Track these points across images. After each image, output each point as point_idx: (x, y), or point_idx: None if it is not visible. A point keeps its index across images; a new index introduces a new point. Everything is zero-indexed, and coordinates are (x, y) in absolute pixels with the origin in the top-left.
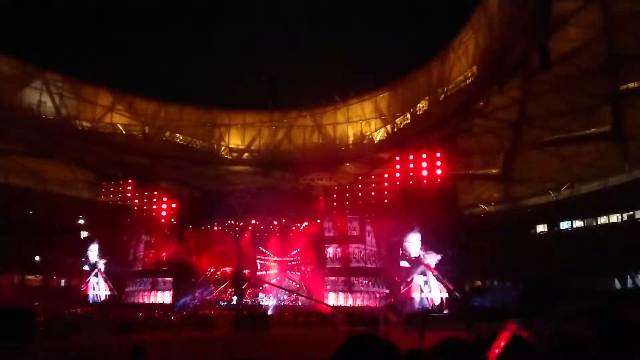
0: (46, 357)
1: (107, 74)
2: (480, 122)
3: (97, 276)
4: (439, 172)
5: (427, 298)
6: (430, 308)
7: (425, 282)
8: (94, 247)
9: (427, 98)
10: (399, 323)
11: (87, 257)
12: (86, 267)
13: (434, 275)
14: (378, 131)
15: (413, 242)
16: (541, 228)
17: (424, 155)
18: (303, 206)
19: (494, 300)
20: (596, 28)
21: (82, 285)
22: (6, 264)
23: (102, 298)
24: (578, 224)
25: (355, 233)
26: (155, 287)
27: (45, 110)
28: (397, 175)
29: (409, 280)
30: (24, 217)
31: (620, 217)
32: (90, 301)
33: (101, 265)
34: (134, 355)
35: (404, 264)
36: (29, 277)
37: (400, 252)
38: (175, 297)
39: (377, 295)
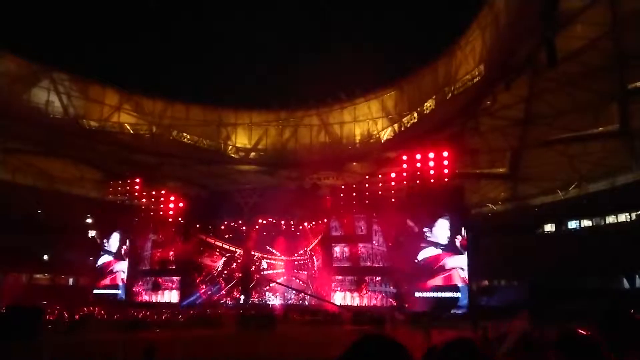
0: (55, 354)
1: (114, 73)
2: (487, 121)
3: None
4: (446, 171)
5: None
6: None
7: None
8: (115, 235)
9: (434, 97)
10: (406, 322)
11: (109, 245)
12: (106, 259)
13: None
14: (385, 130)
15: (441, 228)
16: (549, 227)
17: (431, 155)
18: (310, 205)
19: (501, 300)
20: (604, 25)
21: (106, 277)
22: (14, 262)
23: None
24: (586, 223)
25: (362, 232)
26: (162, 286)
27: (52, 109)
28: (404, 174)
29: (447, 267)
30: (32, 216)
31: (628, 216)
32: (120, 295)
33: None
34: (146, 354)
35: (427, 252)
36: (37, 275)
37: (426, 235)
38: (182, 296)
39: (384, 294)
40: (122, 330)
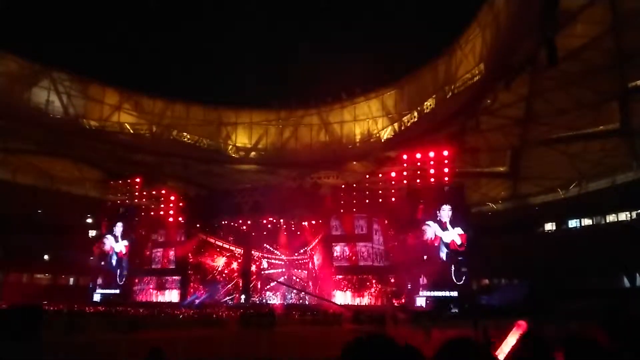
0: (55, 355)
1: (114, 73)
2: (488, 120)
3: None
4: (446, 170)
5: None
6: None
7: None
8: (119, 224)
9: (434, 96)
10: (407, 321)
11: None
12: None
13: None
14: (385, 129)
15: (445, 211)
16: (549, 226)
17: (431, 154)
18: (310, 204)
19: (502, 299)
20: (604, 24)
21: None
22: (15, 262)
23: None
24: (586, 222)
25: (362, 231)
26: (162, 286)
27: (53, 109)
28: (405, 173)
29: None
30: (33, 216)
31: (629, 214)
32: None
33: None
34: (152, 358)
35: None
36: (38, 275)
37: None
38: (182, 296)
39: (385, 293)
40: (123, 330)
